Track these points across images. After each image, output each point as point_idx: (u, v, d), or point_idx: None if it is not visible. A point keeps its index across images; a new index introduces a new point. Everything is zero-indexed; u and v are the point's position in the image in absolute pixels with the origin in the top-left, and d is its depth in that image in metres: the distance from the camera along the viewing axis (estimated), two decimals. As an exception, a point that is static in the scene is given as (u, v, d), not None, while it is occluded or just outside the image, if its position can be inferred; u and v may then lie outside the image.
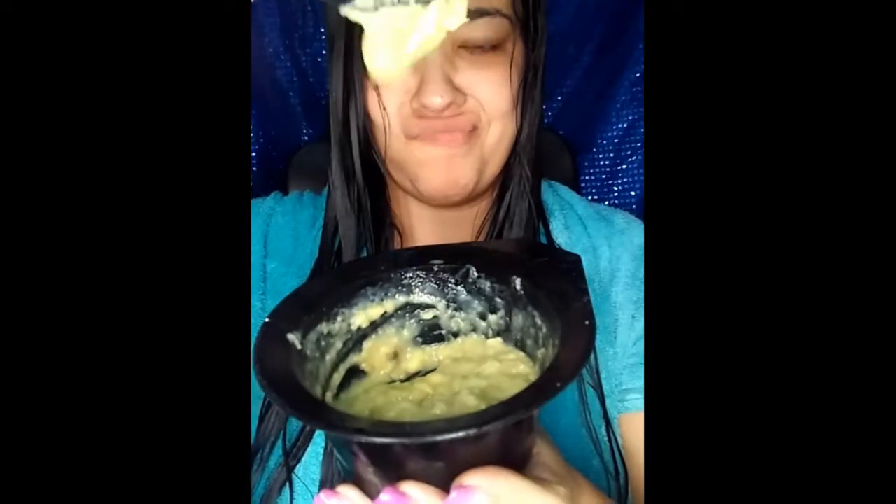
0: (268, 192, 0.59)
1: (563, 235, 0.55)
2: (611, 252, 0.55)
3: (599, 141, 1.03)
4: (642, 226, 0.58)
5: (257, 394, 0.51)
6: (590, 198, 1.02)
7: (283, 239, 0.55)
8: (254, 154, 0.90)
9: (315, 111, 0.92)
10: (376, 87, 0.46)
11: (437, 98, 0.44)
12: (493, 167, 0.50)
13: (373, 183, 0.52)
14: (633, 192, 1.03)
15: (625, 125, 1.01)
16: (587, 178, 1.03)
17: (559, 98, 1.00)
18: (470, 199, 0.52)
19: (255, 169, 0.90)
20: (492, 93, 0.46)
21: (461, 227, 0.55)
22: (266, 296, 0.52)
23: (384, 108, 0.47)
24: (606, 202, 1.03)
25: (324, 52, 0.86)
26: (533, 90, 0.50)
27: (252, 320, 0.52)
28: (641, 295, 0.54)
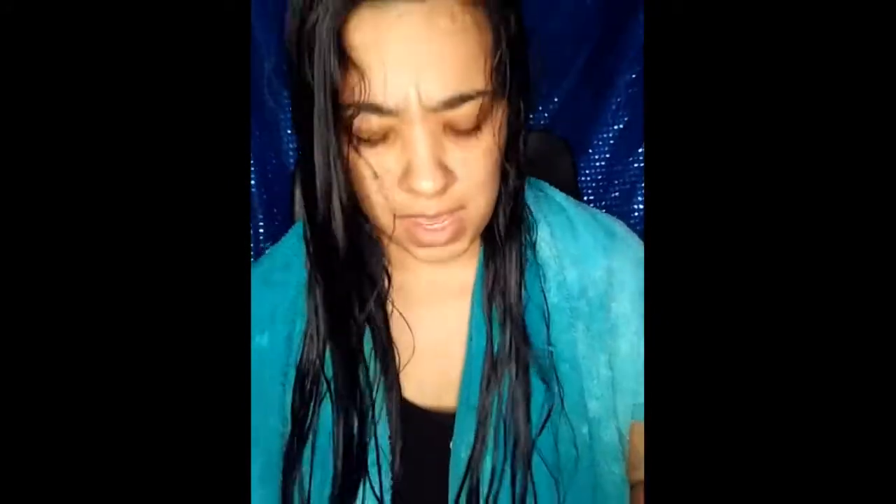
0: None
1: (548, 247, 0.54)
2: (608, 262, 0.54)
3: (595, 142, 1.03)
4: (638, 239, 0.57)
5: (257, 396, 0.53)
6: (586, 199, 1.02)
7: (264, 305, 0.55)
8: (252, 159, 0.90)
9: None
10: (375, 175, 0.44)
11: (428, 183, 0.42)
12: (480, 227, 0.49)
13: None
14: (629, 193, 1.04)
15: (621, 126, 1.02)
16: (584, 179, 1.03)
17: (556, 99, 1.00)
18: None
19: (254, 176, 0.90)
20: (477, 168, 0.44)
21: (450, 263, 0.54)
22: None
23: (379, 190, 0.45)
24: (603, 203, 1.03)
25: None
26: (517, 141, 0.48)
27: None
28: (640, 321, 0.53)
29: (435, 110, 0.41)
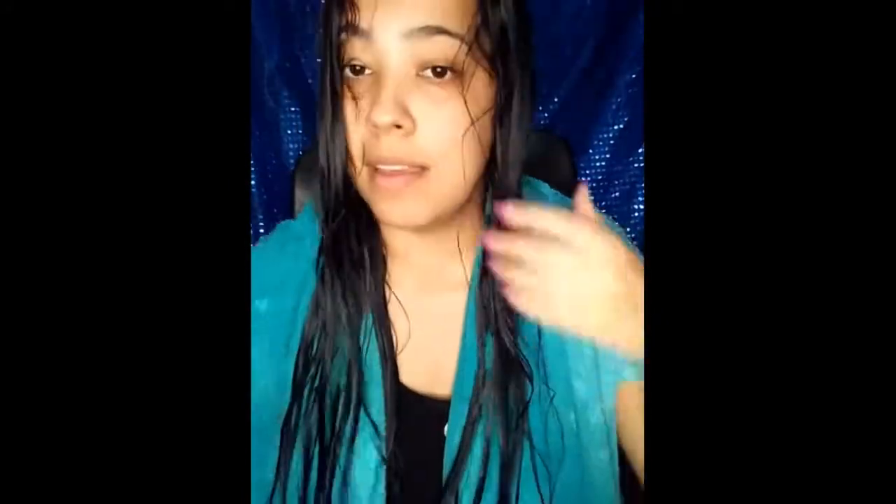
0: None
1: None
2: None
3: (595, 142, 1.03)
4: (620, 231, 0.58)
5: (256, 399, 0.53)
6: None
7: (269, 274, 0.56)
8: (252, 159, 0.90)
9: (314, 115, 0.92)
10: (355, 98, 0.46)
11: (384, 116, 0.44)
12: (453, 202, 0.49)
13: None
14: (629, 193, 1.04)
15: (621, 126, 1.02)
16: (584, 179, 1.03)
17: (556, 99, 1.00)
18: (443, 223, 0.51)
19: (254, 176, 0.90)
20: (441, 124, 0.45)
21: (445, 242, 0.54)
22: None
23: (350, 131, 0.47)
24: (603, 203, 1.03)
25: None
26: (507, 121, 0.48)
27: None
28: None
29: (410, 38, 0.43)
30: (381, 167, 0.46)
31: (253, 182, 0.93)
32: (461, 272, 0.54)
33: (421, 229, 0.51)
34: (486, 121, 0.47)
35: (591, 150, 1.03)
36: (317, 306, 0.53)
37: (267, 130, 0.92)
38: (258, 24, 0.87)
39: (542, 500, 0.50)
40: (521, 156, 0.50)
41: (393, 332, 0.53)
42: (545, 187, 0.60)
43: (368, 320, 0.53)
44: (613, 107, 1.01)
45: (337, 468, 0.50)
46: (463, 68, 0.44)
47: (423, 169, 0.46)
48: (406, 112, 0.44)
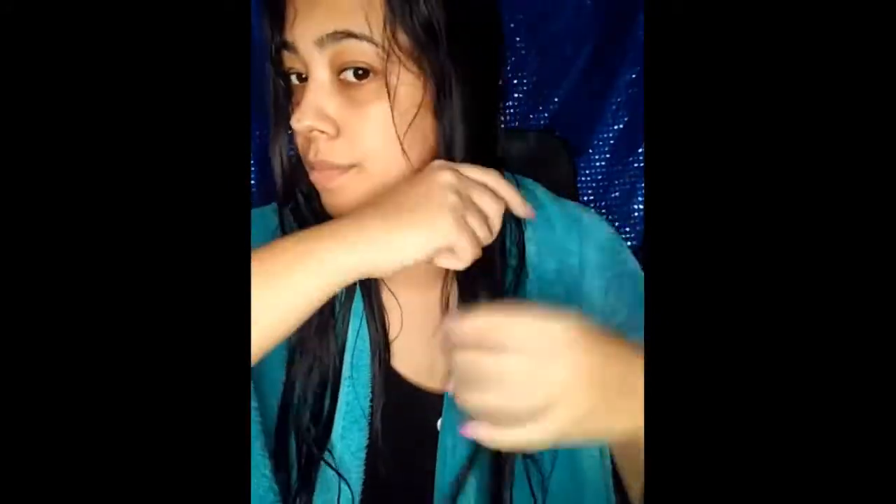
0: (267, 192, 0.59)
1: (531, 244, 0.56)
2: (580, 248, 0.57)
3: (595, 142, 1.03)
4: (605, 223, 0.60)
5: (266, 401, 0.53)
6: (586, 199, 1.02)
7: None
8: (252, 159, 0.89)
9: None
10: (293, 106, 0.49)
11: (301, 121, 0.46)
12: None
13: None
14: (629, 193, 1.04)
15: (621, 126, 1.02)
16: (584, 179, 1.03)
17: (556, 99, 1.00)
18: None
19: (254, 176, 0.90)
20: (368, 134, 0.46)
21: None
22: None
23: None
24: (603, 203, 1.03)
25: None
26: (446, 115, 0.47)
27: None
28: (604, 282, 0.56)
29: (322, 45, 0.45)
30: (317, 168, 0.48)
31: (253, 182, 0.93)
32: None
33: None
34: (420, 120, 0.47)
35: (591, 150, 1.03)
36: None
37: (267, 130, 0.92)
38: (258, 24, 0.87)
39: (536, 502, 0.50)
40: (478, 148, 0.49)
41: (386, 318, 0.54)
42: (539, 189, 0.61)
43: (359, 305, 0.54)
44: (613, 107, 1.01)
45: (325, 450, 0.51)
46: (384, 69, 0.45)
47: (355, 168, 0.47)
48: (326, 117, 0.46)
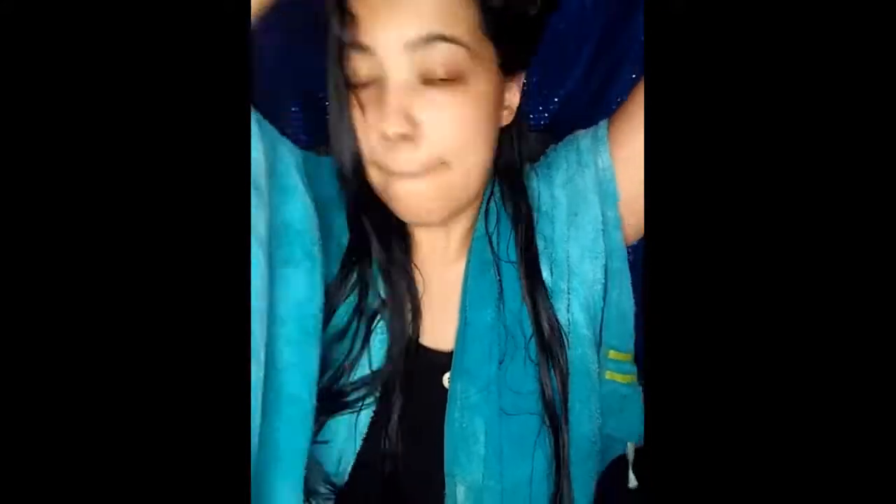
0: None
1: (544, 215, 0.57)
2: (582, 181, 0.57)
3: (596, 142, 1.03)
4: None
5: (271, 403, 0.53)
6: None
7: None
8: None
9: (314, 115, 0.92)
10: (362, 107, 0.48)
11: (392, 128, 0.45)
12: (468, 194, 0.52)
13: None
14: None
15: (620, 126, 1.01)
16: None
17: (556, 100, 1.00)
18: (452, 217, 0.54)
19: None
20: (453, 134, 0.47)
21: (452, 232, 0.57)
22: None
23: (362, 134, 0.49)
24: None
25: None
26: (508, 117, 0.52)
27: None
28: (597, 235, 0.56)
29: (411, 48, 0.44)
30: (397, 172, 0.48)
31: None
32: (462, 256, 0.57)
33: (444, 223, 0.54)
34: (493, 116, 0.49)
35: (591, 150, 1.03)
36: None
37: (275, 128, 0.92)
38: (258, 24, 0.87)
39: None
40: (530, 147, 0.52)
41: (414, 283, 0.55)
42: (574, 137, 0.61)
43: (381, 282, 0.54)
44: (613, 107, 1.01)
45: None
46: (469, 68, 0.46)
47: (438, 170, 0.48)
48: (412, 121, 0.46)
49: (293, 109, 0.94)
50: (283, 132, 1.00)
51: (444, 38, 0.44)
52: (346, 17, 0.45)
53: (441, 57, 0.45)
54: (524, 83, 0.55)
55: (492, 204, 0.56)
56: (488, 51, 0.47)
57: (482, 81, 0.47)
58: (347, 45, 0.46)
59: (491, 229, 0.55)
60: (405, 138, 0.46)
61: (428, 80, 0.45)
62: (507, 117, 0.53)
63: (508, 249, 0.55)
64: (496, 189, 0.57)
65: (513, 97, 0.53)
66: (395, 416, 0.52)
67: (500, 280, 0.54)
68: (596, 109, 1.01)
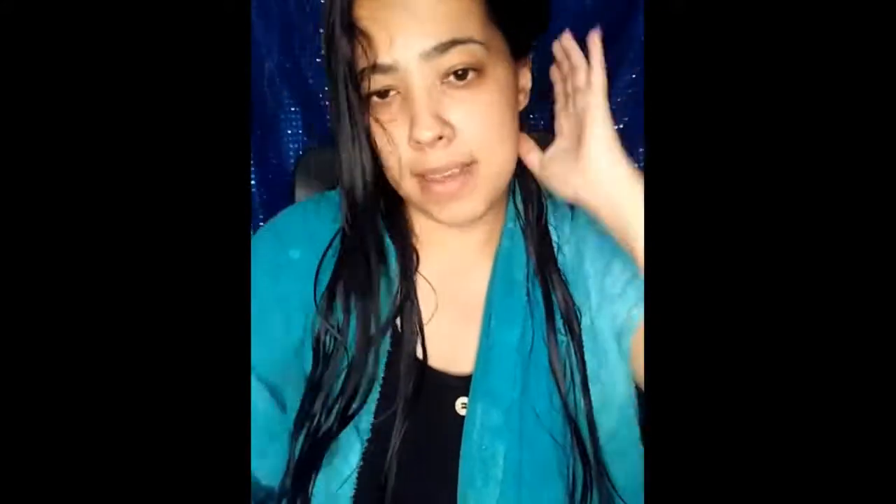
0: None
1: (567, 237, 0.57)
2: (616, 253, 0.56)
3: (596, 142, 1.02)
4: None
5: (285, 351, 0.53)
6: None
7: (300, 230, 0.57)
8: (252, 159, 0.89)
9: (314, 115, 0.92)
10: (383, 125, 0.48)
11: (426, 132, 0.46)
12: (500, 189, 0.52)
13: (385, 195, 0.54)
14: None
15: (621, 126, 1.01)
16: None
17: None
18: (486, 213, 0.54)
19: (254, 176, 0.90)
20: (482, 126, 0.48)
21: (473, 232, 0.57)
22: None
23: (394, 143, 0.49)
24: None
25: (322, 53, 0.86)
26: (524, 101, 0.53)
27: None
28: (606, 261, 0.56)
29: (428, 57, 0.45)
30: (433, 176, 0.49)
31: (253, 182, 0.93)
32: (488, 262, 0.56)
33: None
34: (514, 103, 0.51)
35: (591, 151, 1.02)
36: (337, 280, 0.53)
37: (267, 130, 0.92)
38: (258, 24, 0.87)
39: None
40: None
41: (418, 303, 0.54)
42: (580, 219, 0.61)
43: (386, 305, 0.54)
44: (613, 107, 1.01)
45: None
46: (487, 61, 0.47)
47: (471, 165, 0.49)
48: (444, 122, 0.47)
49: (293, 110, 0.94)
50: (283, 132, 1.00)
51: (458, 42, 0.45)
52: (361, 40, 0.46)
53: (459, 58, 0.46)
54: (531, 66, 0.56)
55: (512, 224, 0.56)
56: (499, 39, 0.48)
57: (500, 70, 0.48)
58: (368, 67, 0.47)
59: (515, 248, 0.55)
60: (439, 140, 0.47)
61: (450, 82, 0.47)
62: (522, 101, 0.54)
63: (528, 267, 0.55)
64: (517, 192, 0.57)
65: (525, 80, 0.54)
66: (396, 442, 0.51)
67: (528, 300, 0.54)
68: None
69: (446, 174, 0.48)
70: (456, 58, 0.46)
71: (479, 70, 0.47)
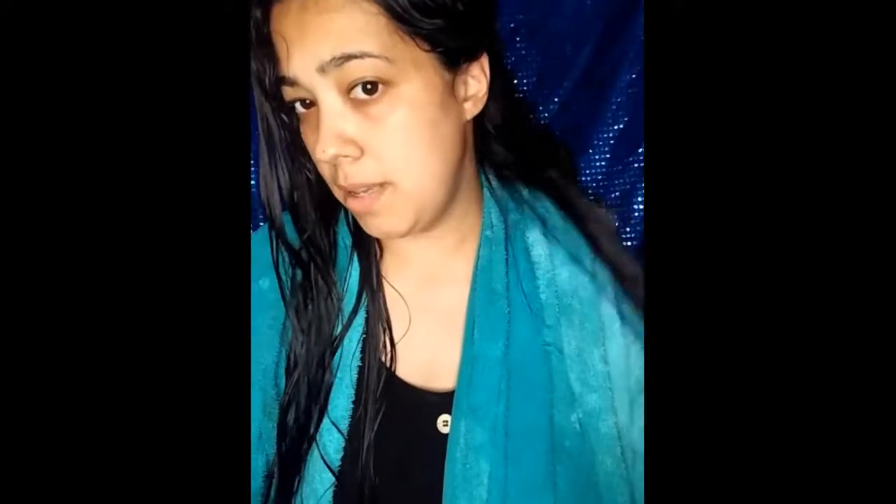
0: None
1: (540, 246, 0.55)
2: (594, 266, 0.55)
3: (595, 142, 1.03)
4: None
5: (260, 375, 0.52)
6: (586, 199, 1.02)
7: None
8: (252, 159, 0.89)
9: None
10: (307, 137, 0.48)
11: (324, 151, 0.45)
12: (429, 208, 0.49)
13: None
14: (629, 193, 1.03)
15: (621, 126, 1.01)
16: (584, 179, 1.03)
17: (556, 100, 1.00)
18: (437, 222, 0.52)
19: (253, 175, 0.90)
20: (392, 146, 0.45)
21: (444, 239, 0.55)
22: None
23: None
24: (604, 203, 1.03)
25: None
26: (474, 108, 0.50)
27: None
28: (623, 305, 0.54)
29: (324, 72, 0.44)
30: (351, 191, 0.47)
31: (253, 182, 0.93)
32: (462, 267, 0.54)
33: (413, 233, 0.51)
34: (441, 117, 0.47)
35: (590, 150, 1.02)
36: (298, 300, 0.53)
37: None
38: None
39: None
40: (508, 127, 0.52)
41: (388, 320, 0.54)
42: (547, 205, 0.60)
43: (359, 314, 0.53)
44: (613, 107, 1.01)
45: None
46: (394, 77, 0.44)
47: (386, 185, 0.46)
48: (348, 140, 0.45)
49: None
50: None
51: (353, 56, 0.43)
52: (269, 52, 0.46)
53: (359, 72, 0.44)
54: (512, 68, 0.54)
55: (490, 232, 0.54)
56: (415, 51, 0.45)
57: (416, 85, 0.45)
58: (277, 79, 0.46)
59: (494, 258, 0.53)
60: (345, 157, 0.45)
61: (358, 97, 0.45)
62: (471, 109, 0.50)
63: (509, 277, 0.53)
64: (490, 196, 0.55)
65: (474, 87, 0.49)
66: (368, 458, 0.50)
67: (509, 311, 0.52)
68: (596, 110, 1.01)
69: (362, 191, 0.47)
70: (355, 72, 0.44)
71: (389, 83, 0.44)
